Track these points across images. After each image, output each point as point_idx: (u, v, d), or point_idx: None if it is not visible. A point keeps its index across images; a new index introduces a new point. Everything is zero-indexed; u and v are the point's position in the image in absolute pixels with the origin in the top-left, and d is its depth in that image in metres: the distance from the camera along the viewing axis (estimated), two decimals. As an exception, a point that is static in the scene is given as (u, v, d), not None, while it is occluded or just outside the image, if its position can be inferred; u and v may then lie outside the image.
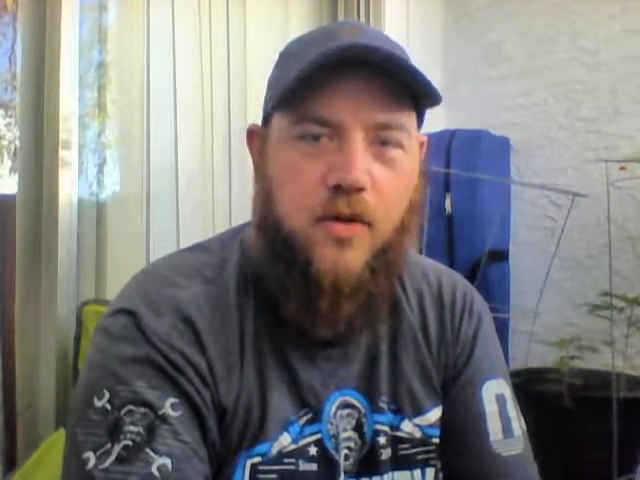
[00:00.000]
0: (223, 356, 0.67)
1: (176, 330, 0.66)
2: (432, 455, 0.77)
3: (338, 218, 0.64)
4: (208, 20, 1.94)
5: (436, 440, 0.77)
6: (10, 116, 1.81)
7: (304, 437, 0.70)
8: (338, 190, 0.63)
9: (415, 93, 0.67)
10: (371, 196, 0.65)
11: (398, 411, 0.75)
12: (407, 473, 0.75)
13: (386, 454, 0.74)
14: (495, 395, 0.79)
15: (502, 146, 2.37)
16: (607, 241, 1.84)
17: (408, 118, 0.68)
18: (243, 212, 1.91)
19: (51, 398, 1.54)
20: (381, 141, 0.66)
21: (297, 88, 0.63)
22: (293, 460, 0.69)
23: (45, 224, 1.56)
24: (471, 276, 1.95)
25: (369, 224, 0.65)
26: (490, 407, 0.78)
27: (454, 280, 0.84)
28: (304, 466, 0.69)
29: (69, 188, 1.59)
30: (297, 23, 2.21)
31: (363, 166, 0.64)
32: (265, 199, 0.69)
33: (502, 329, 2.16)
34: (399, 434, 0.75)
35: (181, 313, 0.67)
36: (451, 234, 2.18)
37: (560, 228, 2.00)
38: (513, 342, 2.22)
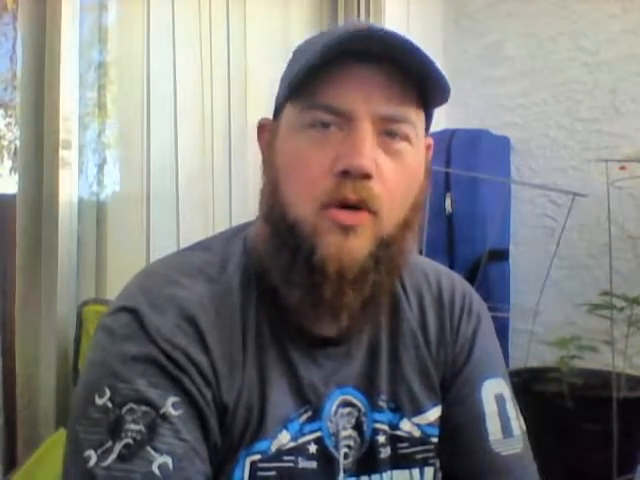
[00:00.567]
0: (226, 355, 0.67)
1: (180, 329, 0.66)
2: (431, 454, 0.77)
3: (344, 206, 0.64)
4: (208, 20, 1.94)
5: (435, 439, 0.77)
6: (10, 116, 1.81)
7: (304, 435, 0.70)
8: (345, 176, 0.64)
9: (424, 86, 0.67)
10: (377, 185, 0.65)
11: (397, 410, 0.75)
12: (406, 472, 0.75)
13: (385, 453, 0.74)
14: (494, 394, 0.79)
15: (502, 146, 2.36)
16: (607, 241, 1.84)
17: (416, 114, 0.69)
18: (243, 211, 1.92)
19: (51, 398, 1.54)
20: (388, 133, 0.66)
21: (305, 76, 0.64)
22: (292, 458, 0.69)
23: (45, 224, 1.56)
24: (471, 275, 1.95)
25: (374, 213, 0.65)
26: (489, 406, 0.78)
27: (453, 281, 0.85)
28: (303, 464, 0.69)
29: (69, 188, 1.58)
30: (297, 23, 2.21)
31: (370, 154, 0.64)
32: (272, 189, 0.69)
33: (502, 328, 2.16)
34: (398, 433, 0.75)
35: (184, 312, 0.67)
36: (451, 234, 2.18)
37: (560, 228, 2.00)
38: (513, 341, 2.22)
